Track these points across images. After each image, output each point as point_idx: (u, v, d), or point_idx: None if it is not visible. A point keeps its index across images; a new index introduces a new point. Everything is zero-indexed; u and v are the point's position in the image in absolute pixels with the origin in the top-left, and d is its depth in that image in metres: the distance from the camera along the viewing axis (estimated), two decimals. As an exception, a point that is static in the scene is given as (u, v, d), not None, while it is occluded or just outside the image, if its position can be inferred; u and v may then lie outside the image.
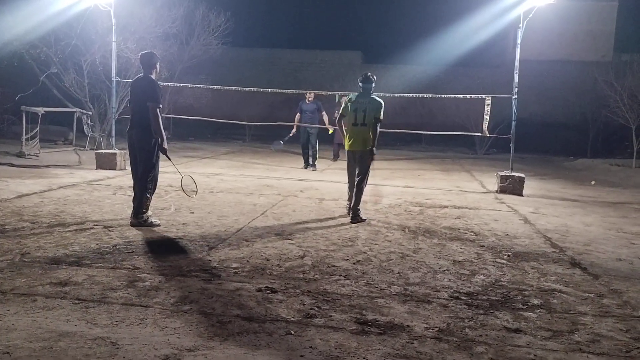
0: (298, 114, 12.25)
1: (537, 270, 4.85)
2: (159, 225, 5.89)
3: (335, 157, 14.11)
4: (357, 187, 6.66)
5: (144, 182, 5.88)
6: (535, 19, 9.64)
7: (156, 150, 5.87)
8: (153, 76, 5.96)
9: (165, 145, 5.88)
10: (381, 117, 6.62)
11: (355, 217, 6.54)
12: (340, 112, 6.92)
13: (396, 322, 3.50)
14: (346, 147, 6.82)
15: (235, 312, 3.54)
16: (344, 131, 6.86)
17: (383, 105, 6.64)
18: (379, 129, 6.62)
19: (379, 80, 22.11)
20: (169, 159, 6.09)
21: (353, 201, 6.63)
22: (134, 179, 6.01)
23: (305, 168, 12.29)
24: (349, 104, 6.73)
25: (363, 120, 6.56)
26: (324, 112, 12.26)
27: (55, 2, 11.59)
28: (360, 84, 6.80)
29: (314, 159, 12.41)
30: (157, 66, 6.03)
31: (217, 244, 5.24)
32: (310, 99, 12.25)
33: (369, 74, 6.82)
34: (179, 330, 3.22)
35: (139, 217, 5.84)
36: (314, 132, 12.19)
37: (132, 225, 5.81)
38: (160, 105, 5.86)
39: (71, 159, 12.23)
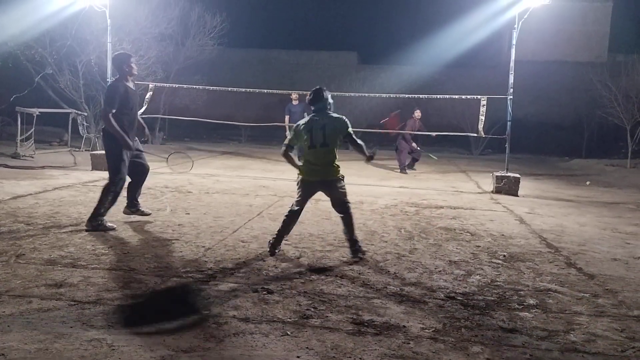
0: (287, 116, 13.22)
1: (533, 270, 4.86)
2: (114, 229, 5.69)
3: (403, 169, 12.66)
4: (345, 217, 5.10)
5: (107, 185, 5.76)
6: (530, 19, 9.66)
7: (118, 153, 5.73)
8: (128, 80, 5.83)
9: (127, 146, 5.70)
10: (351, 132, 5.05)
11: (356, 250, 5.05)
12: (286, 143, 5.16)
13: (392, 322, 3.50)
14: (302, 176, 5.10)
15: (232, 313, 3.54)
16: (294, 162, 5.20)
17: (348, 121, 5.10)
18: (359, 141, 5.03)
19: (375, 80, 21.78)
20: (142, 152, 6.05)
21: (348, 233, 5.09)
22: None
23: None
24: (300, 129, 5.08)
25: (323, 140, 4.94)
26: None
27: (50, 3, 11.57)
28: (311, 105, 5.16)
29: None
30: (125, 67, 5.78)
31: (213, 245, 5.23)
32: (296, 101, 13.26)
33: (318, 88, 5.19)
34: (175, 332, 3.21)
35: (93, 221, 5.63)
36: None
37: (87, 230, 5.56)
38: (112, 110, 5.63)
39: (66, 160, 12.19)
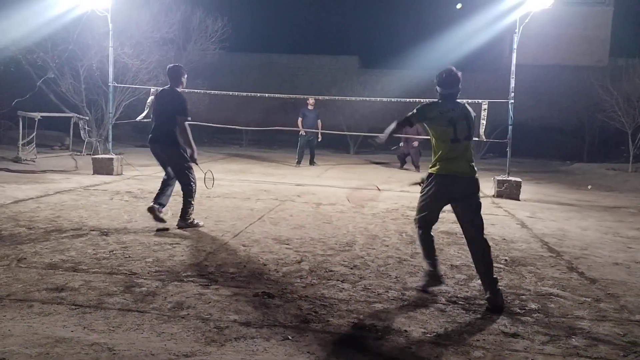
0: (300, 119, 13.72)
1: (534, 274, 4.85)
2: (202, 226, 6.18)
3: (417, 167, 14.00)
4: (482, 251, 4.18)
5: (189, 191, 6.13)
6: (531, 24, 9.68)
7: (186, 159, 6.07)
8: (179, 89, 6.13)
9: (196, 156, 6.12)
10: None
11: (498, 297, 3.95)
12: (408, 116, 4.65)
13: (394, 327, 3.49)
14: (438, 171, 4.22)
15: (233, 318, 3.53)
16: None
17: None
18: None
19: (376, 84, 21.86)
20: (197, 166, 6.31)
21: (484, 275, 4.06)
22: (167, 181, 6.28)
23: (298, 166, 13.79)
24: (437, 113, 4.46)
25: (468, 133, 4.31)
26: (319, 120, 13.96)
27: (52, 7, 11.62)
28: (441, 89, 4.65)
29: (313, 157, 14.44)
30: (183, 79, 6.16)
31: (214, 249, 5.23)
32: (311, 106, 13.80)
33: (451, 71, 4.57)
34: (175, 336, 3.21)
35: (186, 220, 6.10)
36: (315, 136, 14.02)
37: (180, 227, 6.04)
38: (189, 118, 6.00)
39: (68, 164, 12.21)
